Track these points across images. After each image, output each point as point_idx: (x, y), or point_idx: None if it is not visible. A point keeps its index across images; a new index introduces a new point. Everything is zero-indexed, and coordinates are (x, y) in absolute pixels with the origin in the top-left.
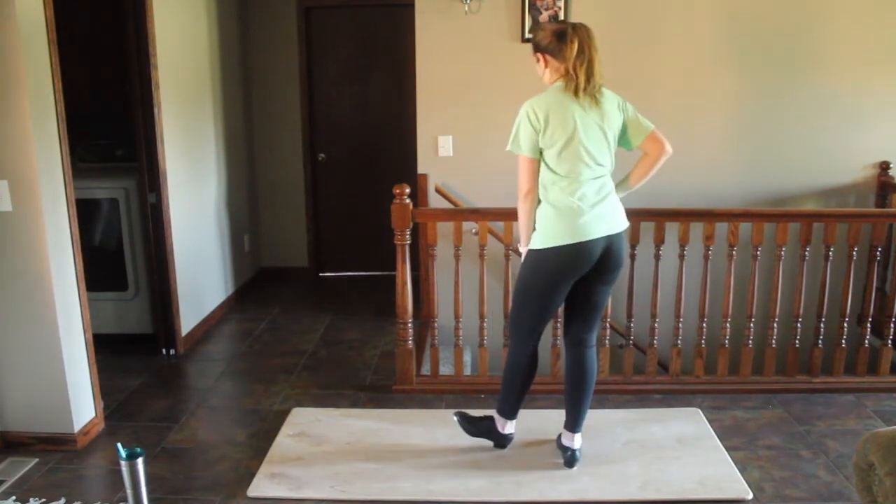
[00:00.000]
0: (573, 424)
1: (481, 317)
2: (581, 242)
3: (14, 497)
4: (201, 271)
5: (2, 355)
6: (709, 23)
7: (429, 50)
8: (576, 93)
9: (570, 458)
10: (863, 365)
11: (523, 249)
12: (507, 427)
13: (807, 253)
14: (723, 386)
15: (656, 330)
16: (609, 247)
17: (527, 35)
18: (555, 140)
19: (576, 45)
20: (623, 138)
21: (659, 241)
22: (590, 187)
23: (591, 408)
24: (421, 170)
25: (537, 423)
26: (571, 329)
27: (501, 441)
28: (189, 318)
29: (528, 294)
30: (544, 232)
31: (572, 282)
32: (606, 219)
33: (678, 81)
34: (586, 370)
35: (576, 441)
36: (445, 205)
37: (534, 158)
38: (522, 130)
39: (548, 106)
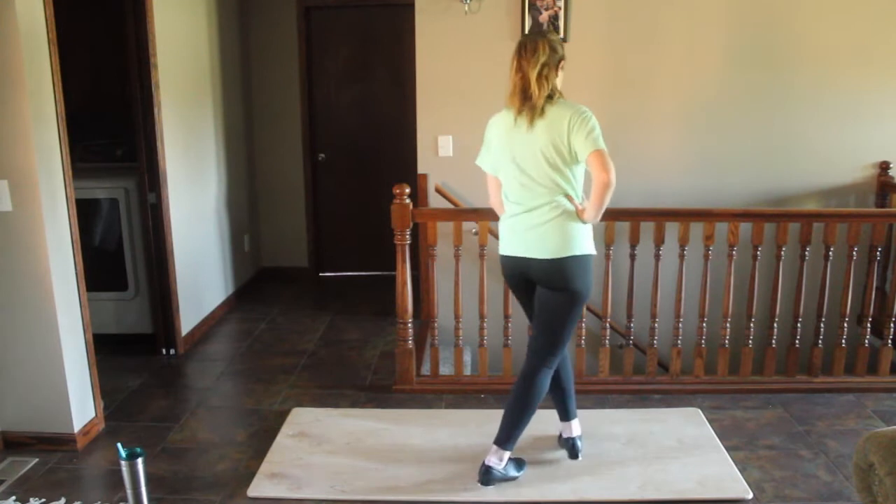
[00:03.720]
0: (499, 437)
1: (481, 317)
2: (506, 256)
3: (14, 497)
4: (201, 271)
5: (2, 355)
6: (709, 23)
7: (429, 50)
8: (518, 112)
9: (482, 474)
10: (863, 365)
11: None
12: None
13: (807, 253)
14: (723, 386)
15: (656, 330)
16: (533, 268)
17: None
18: (496, 160)
19: (514, 63)
20: (578, 155)
21: (659, 241)
22: (527, 211)
23: (591, 407)
24: (421, 170)
25: (537, 423)
26: None
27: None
28: (189, 318)
29: None
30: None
31: (524, 289)
32: (530, 242)
33: (678, 82)
34: (519, 384)
35: (494, 458)
36: (445, 205)
37: (490, 175)
38: (482, 147)
39: (495, 125)
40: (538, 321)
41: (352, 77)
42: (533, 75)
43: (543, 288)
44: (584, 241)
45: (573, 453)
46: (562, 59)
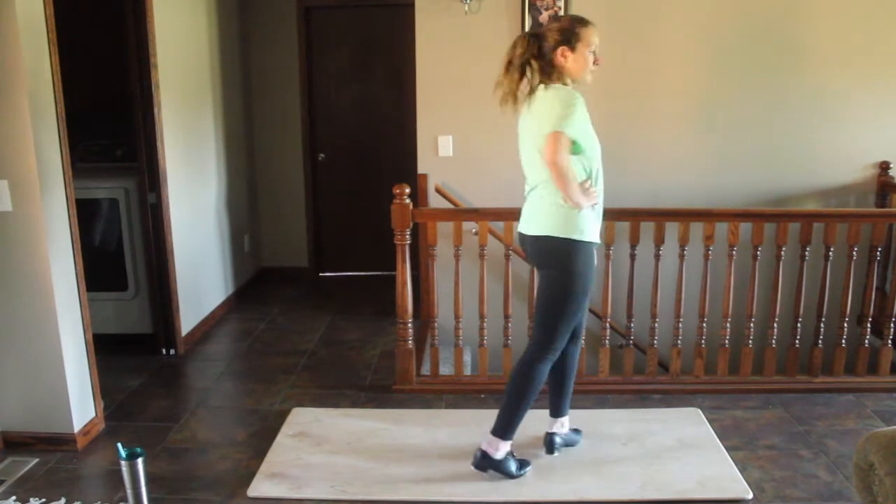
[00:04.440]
0: (493, 426)
1: (481, 317)
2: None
3: (14, 497)
4: (201, 271)
5: (2, 355)
6: (708, 23)
7: (428, 50)
8: (527, 98)
9: (475, 458)
10: (863, 365)
11: None
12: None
13: (807, 253)
14: (723, 386)
15: (656, 330)
16: (524, 243)
17: None
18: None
19: (507, 56)
20: None
21: (659, 241)
22: (530, 190)
23: (591, 407)
24: (421, 170)
25: (537, 422)
26: None
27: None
28: (189, 318)
29: None
30: None
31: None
32: (524, 217)
33: (678, 82)
34: (513, 373)
35: (487, 444)
36: (445, 205)
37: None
38: None
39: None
40: (536, 307)
41: (352, 77)
42: (517, 63)
43: (537, 268)
44: (571, 225)
45: (549, 448)
46: (555, 48)
